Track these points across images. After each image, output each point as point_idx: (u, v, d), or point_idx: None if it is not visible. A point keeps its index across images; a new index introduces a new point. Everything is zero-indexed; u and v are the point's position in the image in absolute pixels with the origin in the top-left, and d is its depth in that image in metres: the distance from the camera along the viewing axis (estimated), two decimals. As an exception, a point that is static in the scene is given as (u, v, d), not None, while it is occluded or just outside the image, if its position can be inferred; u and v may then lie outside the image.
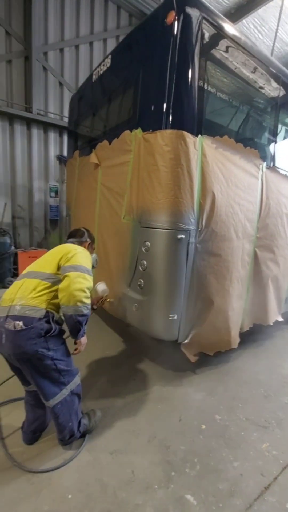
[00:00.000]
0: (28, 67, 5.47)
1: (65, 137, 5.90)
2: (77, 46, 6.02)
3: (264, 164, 2.79)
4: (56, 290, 1.59)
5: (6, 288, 5.00)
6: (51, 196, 6.10)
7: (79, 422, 1.78)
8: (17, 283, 1.65)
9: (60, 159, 6.06)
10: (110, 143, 2.77)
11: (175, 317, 2.31)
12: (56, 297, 1.60)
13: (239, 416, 2.19)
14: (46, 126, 5.82)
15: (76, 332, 1.64)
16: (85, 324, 1.67)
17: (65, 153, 5.75)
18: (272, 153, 2.97)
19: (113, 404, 2.23)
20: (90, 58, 6.23)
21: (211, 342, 2.62)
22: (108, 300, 2.52)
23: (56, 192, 6.15)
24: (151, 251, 2.27)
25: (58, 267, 1.65)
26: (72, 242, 1.92)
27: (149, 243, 2.28)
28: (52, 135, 5.96)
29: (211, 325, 2.53)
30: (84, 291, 1.57)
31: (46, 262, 1.71)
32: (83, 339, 1.74)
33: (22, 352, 1.49)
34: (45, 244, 6.04)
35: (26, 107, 5.55)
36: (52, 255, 1.74)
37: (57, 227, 6.23)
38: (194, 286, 2.36)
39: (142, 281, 2.36)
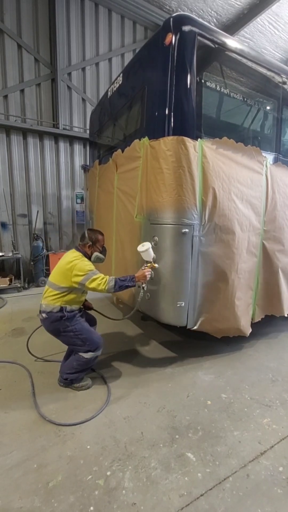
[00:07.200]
0: (54, 87, 6.09)
1: (88, 148, 6.41)
2: (97, 64, 6.53)
3: (269, 160, 2.91)
4: (66, 294, 2.24)
5: (39, 287, 5.60)
6: (77, 203, 6.65)
7: (81, 378, 2.40)
8: (45, 288, 2.36)
9: (85, 168, 6.57)
10: (123, 151, 3.10)
11: (183, 304, 2.54)
12: (66, 296, 2.23)
13: (244, 395, 2.35)
14: (72, 139, 6.39)
15: (125, 288, 2.28)
16: (126, 286, 2.26)
17: (88, 163, 6.25)
18: (276, 149, 3.08)
19: (129, 381, 2.51)
20: (110, 73, 6.71)
21: (220, 328, 2.80)
22: (153, 266, 2.46)
23: (82, 199, 6.67)
24: (159, 245, 2.54)
25: (65, 280, 2.22)
26: (78, 244, 2.49)
27: (157, 238, 2.54)
28: (77, 147, 6.51)
29: (219, 312, 2.71)
30: (100, 288, 2.16)
31: (57, 274, 2.28)
32: (139, 277, 2.33)
33: (50, 331, 2.30)
34: (73, 247, 6.56)
35: (53, 123, 6.16)
36: (60, 268, 2.28)
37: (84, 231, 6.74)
38: (200, 275, 2.57)
39: (152, 272, 2.62)
